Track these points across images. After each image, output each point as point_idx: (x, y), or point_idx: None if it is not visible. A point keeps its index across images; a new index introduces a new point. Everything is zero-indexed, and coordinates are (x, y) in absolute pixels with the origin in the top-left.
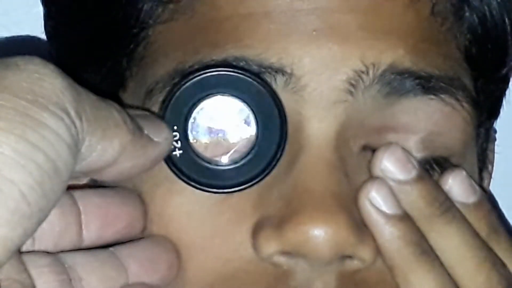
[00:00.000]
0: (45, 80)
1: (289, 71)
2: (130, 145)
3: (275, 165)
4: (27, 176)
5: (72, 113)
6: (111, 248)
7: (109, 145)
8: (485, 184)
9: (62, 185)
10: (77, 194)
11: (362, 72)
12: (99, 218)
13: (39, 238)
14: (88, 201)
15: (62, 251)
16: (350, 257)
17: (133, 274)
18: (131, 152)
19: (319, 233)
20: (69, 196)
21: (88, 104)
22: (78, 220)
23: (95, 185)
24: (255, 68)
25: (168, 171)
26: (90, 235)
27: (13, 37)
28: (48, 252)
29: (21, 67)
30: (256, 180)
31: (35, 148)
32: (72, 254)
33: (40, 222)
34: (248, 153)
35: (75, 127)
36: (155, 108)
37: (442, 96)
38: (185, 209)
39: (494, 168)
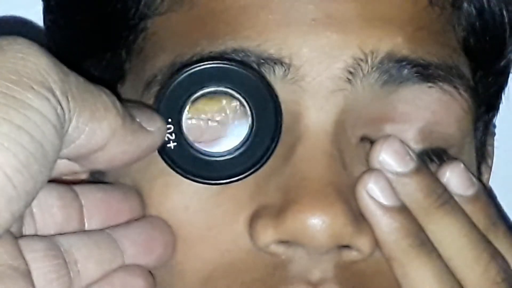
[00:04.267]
0: (29, 60)
1: (288, 61)
2: (121, 129)
3: (270, 156)
4: (12, 159)
5: (58, 93)
6: (107, 230)
7: (98, 127)
8: (484, 178)
9: (49, 166)
10: (78, 188)
11: (361, 60)
12: (101, 212)
13: (41, 230)
14: (90, 196)
15: (58, 234)
16: (348, 247)
17: (129, 256)
18: (121, 137)
19: (317, 222)
20: (70, 189)
21: (75, 84)
22: (80, 214)
23: (95, 181)
24: (254, 59)
25: (164, 164)
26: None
27: None
28: (43, 236)
29: (4, 48)
30: (251, 170)
31: (20, 130)
32: (68, 237)
33: (27, 205)
34: (243, 144)
35: (61, 107)
36: (153, 101)
37: (441, 84)
38: (183, 202)
39: (494, 166)
